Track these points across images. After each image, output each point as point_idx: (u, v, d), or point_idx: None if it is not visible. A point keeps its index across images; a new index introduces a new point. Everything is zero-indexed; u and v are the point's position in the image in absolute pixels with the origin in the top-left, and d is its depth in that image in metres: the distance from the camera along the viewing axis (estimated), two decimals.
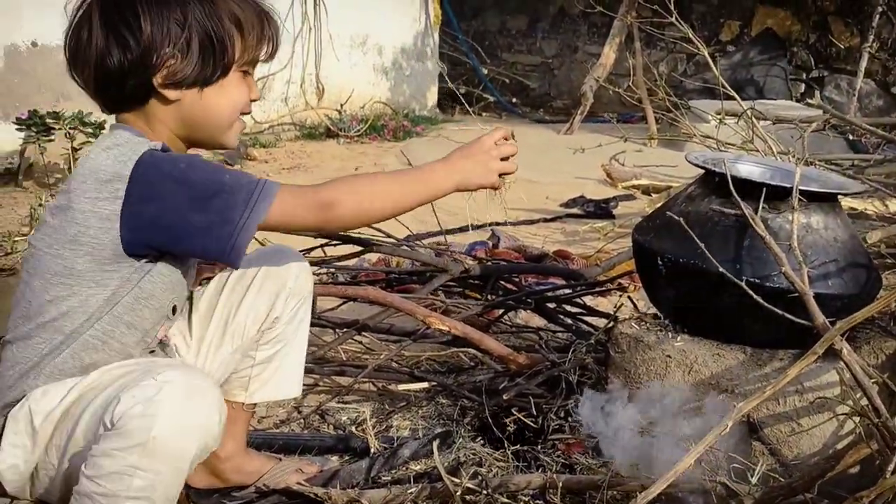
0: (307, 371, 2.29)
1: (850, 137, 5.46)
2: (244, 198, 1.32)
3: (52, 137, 4.69)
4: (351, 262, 2.97)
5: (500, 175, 1.56)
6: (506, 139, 1.56)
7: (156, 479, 1.23)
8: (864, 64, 6.84)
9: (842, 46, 7.82)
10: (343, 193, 1.41)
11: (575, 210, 4.81)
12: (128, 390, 1.24)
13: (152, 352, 1.50)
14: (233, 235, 1.31)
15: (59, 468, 1.35)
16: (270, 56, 1.47)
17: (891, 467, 1.15)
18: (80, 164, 1.38)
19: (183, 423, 1.24)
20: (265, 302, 1.64)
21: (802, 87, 8.21)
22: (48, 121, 4.65)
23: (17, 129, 4.80)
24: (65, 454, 1.33)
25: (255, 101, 1.49)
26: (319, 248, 2.92)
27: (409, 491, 1.57)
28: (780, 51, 8.26)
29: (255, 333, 1.66)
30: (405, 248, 2.93)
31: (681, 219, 1.69)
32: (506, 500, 1.60)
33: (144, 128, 1.40)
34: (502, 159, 1.55)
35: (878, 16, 6.85)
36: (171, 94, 1.37)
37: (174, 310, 1.49)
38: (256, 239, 2.94)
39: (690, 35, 3.47)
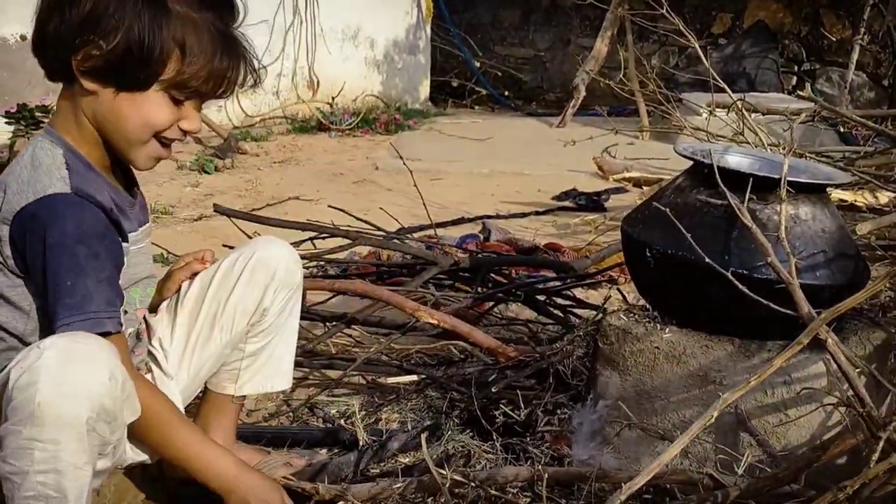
0: (296, 364, 2.28)
1: (842, 130, 5.47)
2: (58, 312, 1.28)
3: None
4: (341, 255, 2.96)
5: None
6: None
7: (56, 448, 1.21)
8: (855, 56, 6.85)
9: (833, 39, 7.84)
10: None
11: (567, 203, 4.82)
12: (17, 363, 1.23)
13: None
14: (61, 328, 1.28)
15: None
16: (221, 94, 1.42)
17: (875, 457, 1.15)
18: (6, 171, 1.38)
19: (65, 385, 1.20)
20: (254, 294, 1.64)
21: (794, 79, 8.23)
22: (37, 114, 4.66)
23: (6, 123, 4.80)
24: None
25: (188, 132, 1.43)
26: (309, 241, 2.91)
27: (396, 485, 1.57)
28: (772, 43, 8.28)
29: (245, 326, 1.65)
30: (395, 241, 2.93)
31: (669, 210, 1.68)
32: (494, 493, 1.60)
33: (71, 119, 1.39)
34: None
35: (869, 8, 6.86)
36: (87, 83, 1.35)
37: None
38: (246, 233, 2.93)
39: (682, 28, 3.47)
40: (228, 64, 1.40)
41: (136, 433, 1.43)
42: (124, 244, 1.43)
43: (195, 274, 1.67)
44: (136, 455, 1.50)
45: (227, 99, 1.48)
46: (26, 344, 1.35)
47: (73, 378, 1.21)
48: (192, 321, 1.63)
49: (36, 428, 1.19)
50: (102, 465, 1.35)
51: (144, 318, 1.59)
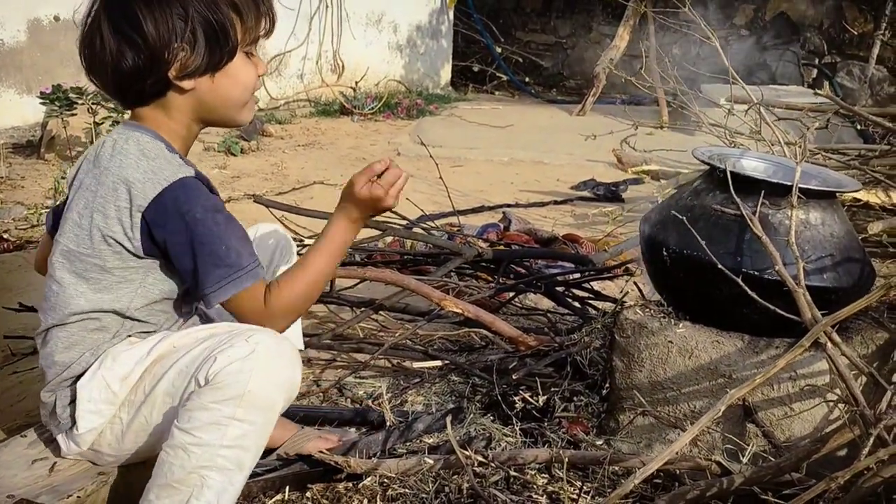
0: (326, 347, 2.41)
1: (859, 127, 5.51)
2: (221, 273, 1.42)
3: (75, 112, 4.78)
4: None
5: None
6: (385, 170, 1.58)
7: (250, 428, 1.37)
8: (876, 51, 6.87)
9: (855, 33, 7.84)
10: (290, 314, 1.50)
11: (585, 193, 4.89)
12: (222, 351, 1.36)
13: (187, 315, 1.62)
14: (206, 294, 1.42)
15: (130, 423, 1.47)
16: (269, 31, 1.55)
17: (865, 451, 1.26)
18: (112, 166, 1.44)
19: (274, 377, 1.38)
20: (265, 255, 1.79)
21: (814, 72, 8.23)
22: (71, 96, 4.74)
23: (40, 103, 4.90)
24: (139, 409, 1.46)
25: (262, 75, 1.57)
26: None
27: (425, 461, 1.68)
28: (794, 36, 8.28)
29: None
30: (421, 231, 3.02)
31: (686, 212, 1.78)
32: (514, 473, 1.71)
33: (163, 120, 1.49)
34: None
35: (891, 3, 6.86)
36: (186, 84, 1.46)
37: None
38: (278, 219, 3.03)
39: (702, 24, 3.53)
40: (268, 9, 1.53)
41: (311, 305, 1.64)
42: None
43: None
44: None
45: (270, 37, 1.59)
46: (124, 320, 1.48)
47: (279, 373, 1.39)
48: None
49: (240, 409, 1.35)
50: None
51: None
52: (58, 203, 1.66)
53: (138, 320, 1.51)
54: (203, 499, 1.37)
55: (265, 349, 1.37)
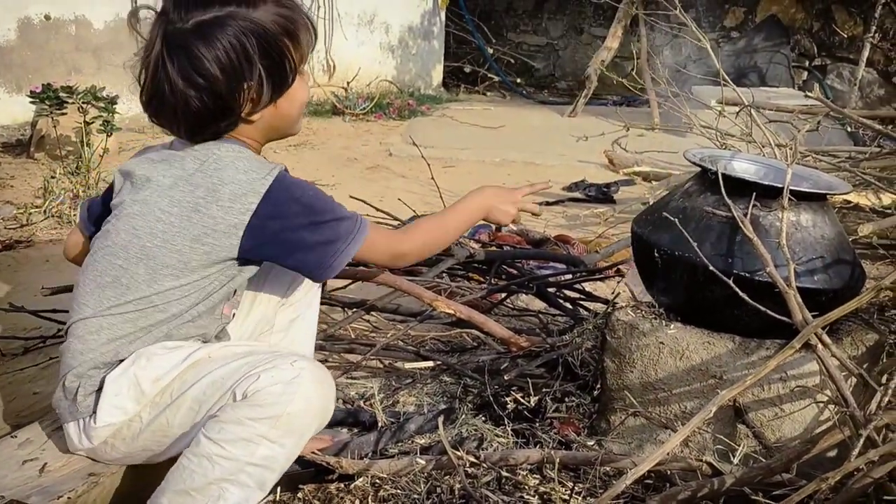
0: (318, 348, 2.40)
1: (849, 129, 5.54)
2: (348, 228, 1.51)
3: (65, 111, 4.76)
4: None
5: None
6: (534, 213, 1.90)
7: (280, 450, 1.39)
8: (866, 53, 6.90)
9: (845, 35, 7.88)
10: (418, 246, 1.68)
11: (577, 194, 4.90)
12: (267, 371, 1.38)
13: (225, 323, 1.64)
14: (334, 256, 1.50)
15: (149, 424, 1.47)
16: (315, 44, 1.59)
17: (855, 452, 1.26)
18: (209, 169, 1.46)
19: (312, 404, 1.40)
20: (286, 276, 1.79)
21: (805, 74, 8.28)
22: (61, 95, 4.72)
23: (30, 102, 4.87)
24: (163, 412, 1.46)
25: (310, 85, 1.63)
26: None
27: (417, 461, 1.68)
28: (784, 38, 8.32)
29: (280, 299, 1.81)
30: None
31: (677, 213, 1.79)
32: (506, 474, 1.71)
33: (234, 141, 1.53)
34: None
35: (881, 6, 6.90)
36: (254, 117, 1.51)
37: (235, 292, 1.62)
38: None
39: (693, 27, 3.55)
40: (307, 18, 1.56)
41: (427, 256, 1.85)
42: None
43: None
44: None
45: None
46: (172, 321, 1.50)
47: (319, 402, 1.42)
48: (238, 295, 1.74)
49: (275, 430, 1.37)
50: None
51: None
52: (95, 195, 1.67)
53: (187, 322, 1.52)
54: None
55: (309, 376, 1.40)
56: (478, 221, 1.81)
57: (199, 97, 1.44)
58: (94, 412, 1.48)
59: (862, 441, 1.29)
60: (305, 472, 1.76)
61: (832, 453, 1.60)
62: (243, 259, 1.50)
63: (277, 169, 1.48)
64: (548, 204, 4.66)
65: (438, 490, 1.69)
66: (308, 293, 1.85)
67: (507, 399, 2.00)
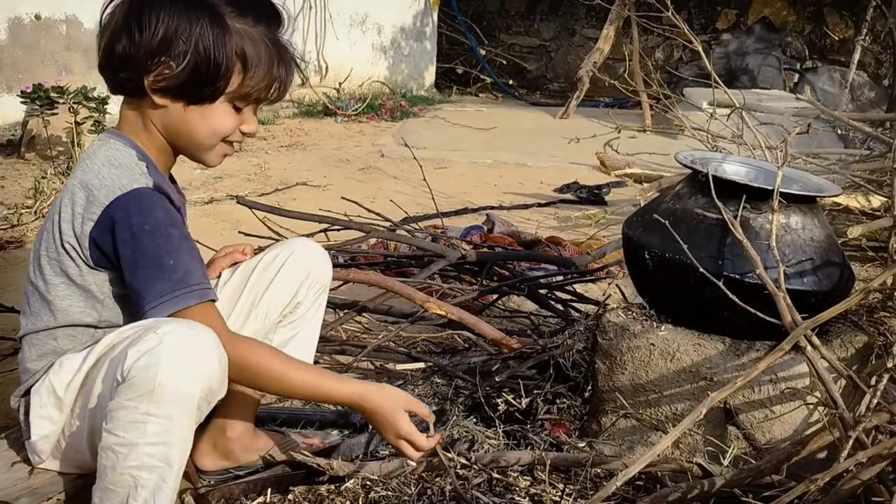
0: None
1: (840, 132, 5.57)
2: (164, 288, 1.37)
3: (56, 111, 4.75)
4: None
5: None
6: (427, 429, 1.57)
7: (169, 423, 1.32)
8: (857, 56, 6.94)
9: (836, 38, 7.92)
10: (236, 362, 1.41)
11: (568, 196, 4.90)
12: (132, 346, 1.32)
13: None
14: (143, 310, 1.38)
15: (85, 431, 1.45)
16: (277, 98, 1.53)
17: (844, 453, 1.27)
18: (78, 171, 1.45)
19: (184, 367, 1.31)
20: (290, 287, 1.75)
21: (796, 76, 8.31)
22: (52, 95, 4.70)
23: (21, 102, 4.86)
24: (87, 416, 1.43)
25: (248, 134, 1.54)
26: (322, 233, 3.01)
27: (408, 463, 1.68)
28: (775, 40, 8.35)
29: (278, 317, 1.76)
30: (405, 233, 3.02)
31: (668, 215, 1.79)
32: (497, 476, 1.71)
33: (141, 128, 1.49)
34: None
35: (871, 9, 6.94)
36: (157, 98, 1.45)
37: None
38: (260, 220, 3.03)
39: (685, 29, 3.56)
40: (285, 71, 1.50)
41: (253, 387, 1.57)
42: None
43: (235, 264, 1.78)
44: None
45: (280, 101, 1.57)
46: (95, 333, 1.46)
47: (190, 362, 1.32)
48: (229, 307, 1.73)
49: (154, 404, 1.30)
50: None
51: None
52: None
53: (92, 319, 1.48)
54: (140, 498, 1.34)
55: (173, 340, 1.30)
56: (344, 405, 1.61)
57: (124, 38, 1.41)
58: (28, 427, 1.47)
59: (851, 443, 1.30)
60: (296, 473, 1.76)
61: (822, 455, 1.61)
62: (103, 267, 1.45)
63: (134, 185, 1.41)
64: (540, 205, 4.66)
65: (429, 492, 1.69)
66: (308, 311, 1.79)
67: (499, 401, 2.01)
